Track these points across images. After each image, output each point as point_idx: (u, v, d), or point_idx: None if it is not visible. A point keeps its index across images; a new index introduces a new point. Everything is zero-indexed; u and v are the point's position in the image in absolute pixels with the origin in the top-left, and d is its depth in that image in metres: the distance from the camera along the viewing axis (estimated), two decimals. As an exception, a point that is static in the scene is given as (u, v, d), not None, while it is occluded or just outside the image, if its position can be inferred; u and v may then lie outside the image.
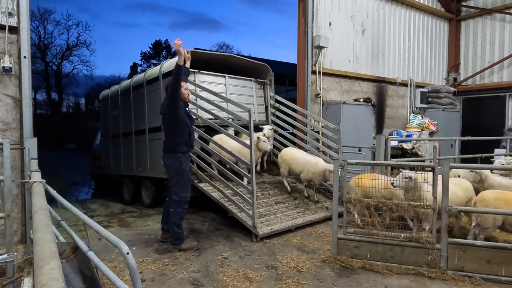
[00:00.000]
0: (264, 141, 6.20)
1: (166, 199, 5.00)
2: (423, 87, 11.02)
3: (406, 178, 4.15)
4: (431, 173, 4.03)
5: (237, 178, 5.45)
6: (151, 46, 44.15)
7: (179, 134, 4.48)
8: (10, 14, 4.91)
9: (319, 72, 8.48)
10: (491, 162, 6.82)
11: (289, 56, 68.10)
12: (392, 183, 4.26)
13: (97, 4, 67.77)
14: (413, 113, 10.75)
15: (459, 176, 5.20)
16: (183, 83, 4.53)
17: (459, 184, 4.69)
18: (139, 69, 40.78)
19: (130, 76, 21.64)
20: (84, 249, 2.24)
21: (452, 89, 11.24)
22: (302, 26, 8.38)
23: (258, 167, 7.08)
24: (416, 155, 8.74)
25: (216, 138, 6.02)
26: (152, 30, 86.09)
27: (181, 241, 4.58)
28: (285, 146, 7.40)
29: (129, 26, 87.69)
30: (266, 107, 7.95)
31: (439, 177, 3.94)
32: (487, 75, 11.42)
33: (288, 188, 6.49)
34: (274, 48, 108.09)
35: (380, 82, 10.04)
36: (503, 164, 5.80)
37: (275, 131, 7.75)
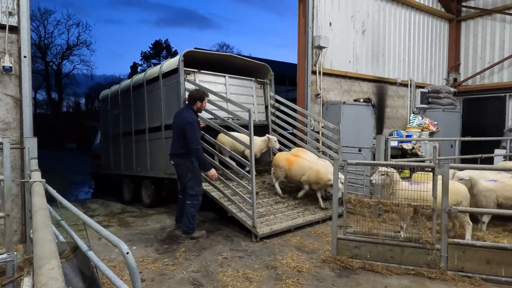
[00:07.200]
0: (274, 141, 6.80)
1: (179, 196, 5.53)
2: (423, 87, 11.01)
3: (383, 174, 4.42)
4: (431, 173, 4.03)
5: (237, 178, 5.46)
6: (151, 46, 44.31)
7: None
8: (10, 14, 4.91)
9: (319, 72, 8.47)
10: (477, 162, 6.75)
11: (289, 56, 67.61)
12: (370, 180, 4.57)
13: (83, -1, 65.41)
14: (413, 113, 10.73)
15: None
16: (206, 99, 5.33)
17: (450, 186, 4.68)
18: (139, 68, 40.84)
19: (130, 76, 21.62)
20: (84, 249, 2.25)
21: (452, 89, 11.22)
22: (302, 26, 8.38)
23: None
24: (416, 155, 8.73)
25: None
26: (138, 27, 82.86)
27: (193, 230, 5.16)
28: (286, 146, 7.41)
29: (113, 23, 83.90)
30: (266, 107, 7.95)
31: (439, 177, 3.93)
32: (487, 76, 11.41)
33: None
34: (274, 48, 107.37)
35: (380, 82, 10.04)
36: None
37: (274, 131, 7.76)
